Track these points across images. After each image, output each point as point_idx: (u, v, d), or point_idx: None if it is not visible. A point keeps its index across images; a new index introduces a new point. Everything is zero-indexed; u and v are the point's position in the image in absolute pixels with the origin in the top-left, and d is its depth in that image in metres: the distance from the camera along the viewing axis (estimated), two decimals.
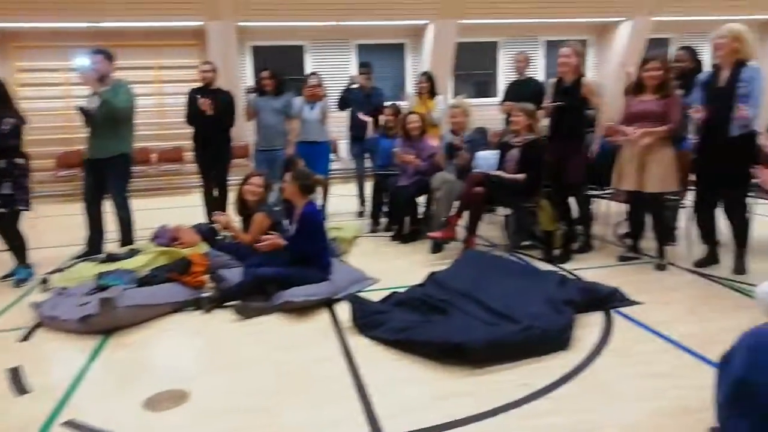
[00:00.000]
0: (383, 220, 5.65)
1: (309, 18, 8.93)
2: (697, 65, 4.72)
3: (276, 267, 3.60)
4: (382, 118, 5.87)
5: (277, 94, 5.55)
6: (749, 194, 3.92)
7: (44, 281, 3.97)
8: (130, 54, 8.73)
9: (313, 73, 6.07)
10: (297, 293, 3.40)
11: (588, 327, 3.05)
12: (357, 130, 6.23)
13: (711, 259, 4.04)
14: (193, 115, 5.36)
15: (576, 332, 2.94)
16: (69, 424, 2.28)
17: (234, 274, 3.77)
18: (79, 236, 4.88)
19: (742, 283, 3.66)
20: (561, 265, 4.19)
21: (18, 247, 4.21)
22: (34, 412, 2.38)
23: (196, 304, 3.50)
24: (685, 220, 4.53)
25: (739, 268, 3.87)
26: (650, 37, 9.83)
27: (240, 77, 9.11)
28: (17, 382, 2.66)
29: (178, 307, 3.48)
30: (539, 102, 4.98)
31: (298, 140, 5.80)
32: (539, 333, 2.75)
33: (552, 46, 10.26)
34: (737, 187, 3.77)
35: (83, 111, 4.57)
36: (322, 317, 3.36)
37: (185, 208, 6.18)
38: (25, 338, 3.19)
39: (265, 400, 2.43)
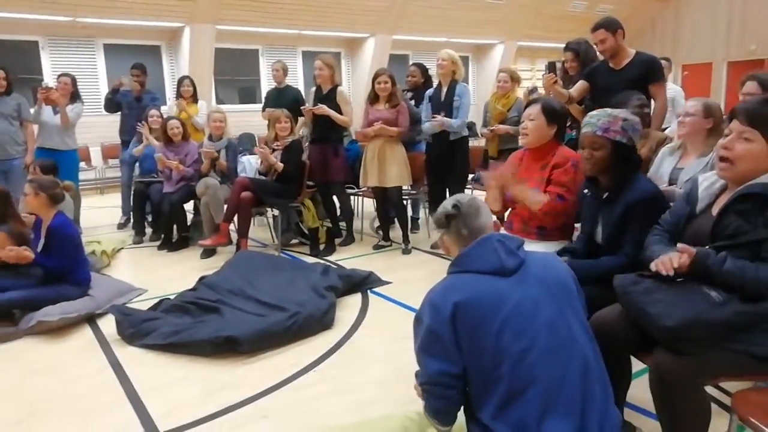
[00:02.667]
0: (148, 231, 5.42)
1: (38, 11, 7.90)
2: (427, 79, 5.55)
3: (22, 288, 3.25)
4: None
5: (5, 95, 4.91)
6: (468, 187, 4.85)
7: None
8: None
9: (64, 74, 5.48)
10: (52, 311, 3.15)
11: (349, 307, 3.48)
12: (128, 134, 5.83)
13: None
14: None
15: (339, 313, 3.34)
16: None
17: None
18: None
19: None
20: (326, 258, 4.61)
21: None
22: None
23: None
24: (423, 211, 5.37)
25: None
26: (391, 52, 11.15)
27: None
28: None
29: None
30: (297, 108, 5.35)
31: (37, 146, 5.21)
32: (305, 316, 3.06)
33: (308, 57, 10.89)
34: (456, 181, 4.64)
35: None
36: (84, 334, 3.17)
37: None
38: None
39: (24, 428, 2.26)
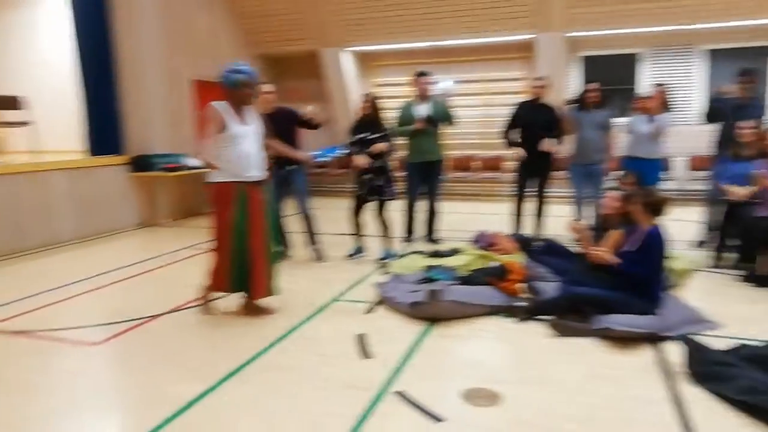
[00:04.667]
0: (730, 255, 4.74)
1: (645, 24, 8.19)
2: None
3: (596, 288, 3.39)
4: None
5: (598, 107, 5.33)
6: None
7: (384, 266, 4.65)
8: (461, 68, 9.48)
9: (659, 84, 5.53)
10: (619, 321, 3.14)
11: None
12: (723, 146, 5.24)
13: None
14: (525, 125, 5.48)
15: None
16: (399, 394, 2.59)
17: (549, 288, 3.71)
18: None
19: None
20: None
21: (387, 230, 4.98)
22: (373, 375, 2.78)
23: (510, 312, 3.56)
24: None
25: None
26: None
27: (567, 89, 8.92)
28: (364, 347, 3.14)
29: (493, 311, 3.60)
30: None
31: (626, 155, 5.39)
32: None
33: None
34: None
35: (429, 119, 5.24)
36: (645, 353, 3.02)
37: (500, 216, 6.31)
38: (369, 311, 3.76)
39: (578, 428, 2.31)
